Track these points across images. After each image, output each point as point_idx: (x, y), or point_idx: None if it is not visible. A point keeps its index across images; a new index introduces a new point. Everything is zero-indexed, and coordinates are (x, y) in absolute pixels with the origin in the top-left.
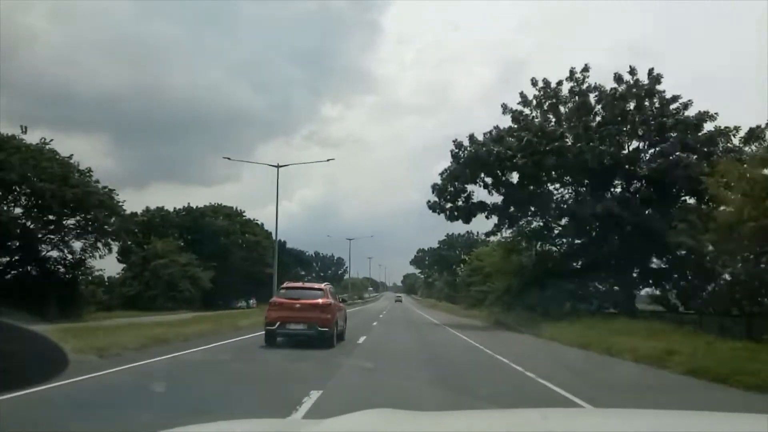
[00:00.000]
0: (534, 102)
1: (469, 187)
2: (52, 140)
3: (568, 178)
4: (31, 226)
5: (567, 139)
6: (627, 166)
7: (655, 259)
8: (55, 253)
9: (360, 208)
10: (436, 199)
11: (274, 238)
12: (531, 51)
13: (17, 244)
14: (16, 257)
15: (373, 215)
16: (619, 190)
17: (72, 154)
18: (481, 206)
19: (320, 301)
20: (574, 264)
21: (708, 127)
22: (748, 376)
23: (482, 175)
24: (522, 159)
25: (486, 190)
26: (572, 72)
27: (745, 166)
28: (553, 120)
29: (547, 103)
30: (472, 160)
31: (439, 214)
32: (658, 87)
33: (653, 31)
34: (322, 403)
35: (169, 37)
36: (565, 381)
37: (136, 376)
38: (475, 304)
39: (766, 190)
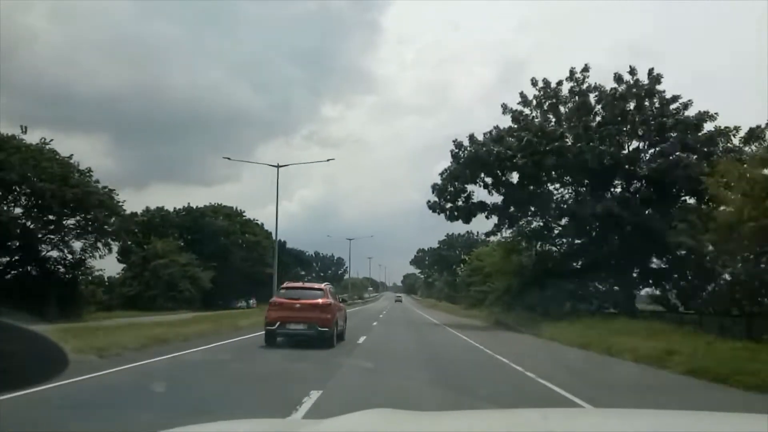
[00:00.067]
0: (534, 102)
1: (469, 187)
2: (52, 140)
3: (568, 178)
4: (31, 226)
5: (567, 139)
6: (627, 166)
7: (655, 259)
8: (55, 253)
9: (360, 208)
10: (436, 199)
11: (274, 238)
12: (531, 51)
13: (17, 244)
14: (16, 257)
15: (373, 215)
16: (619, 190)
17: (72, 154)
18: (481, 206)
19: (320, 301)
20: (574, 264)
21: (708, 127)
22: (748, 376)
23: (482, 175)
24: (522, 159)
25: (486, 190)
26: (572, 72)
27: (745, 166)
28: (553, 120)
29: (547, 103)
30: (472, 160)
31: (439, 214)
32: (658, 87)
33: (653, 31)
34: (322, 403)
35: (169, 37)
36: (565, 381)
37: (136, 376)
38: (475, 304)
39: (766, 190)
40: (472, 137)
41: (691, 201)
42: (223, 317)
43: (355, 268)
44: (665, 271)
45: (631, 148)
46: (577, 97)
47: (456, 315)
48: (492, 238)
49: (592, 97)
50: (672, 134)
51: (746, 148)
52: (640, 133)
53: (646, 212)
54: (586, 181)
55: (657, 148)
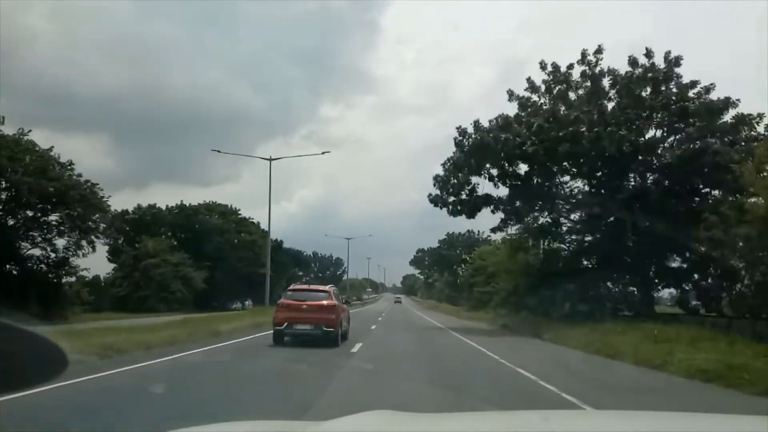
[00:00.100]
0: (543, 87)
1: (474, 180)
2: (30, 131)
3: (584, 168)
4: (9, 223)
5: (582, 124)
6: (646, 155)
7: (675, 257)
8: (37, 252)
9: (360, 208)
10: (438, 192)
11: (269, 236)
12: (531, 51)
13: None
14: None
15: (373, 216)
16: (633, 181)
17: (52, 146)
18: (487, 200)
19: (325, 302)
20: (586, 262)
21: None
22: None
23: (488, 165)
24: (532, 146)
25: (491, 183)
26: (584, 55)
27: None
28: (563, 108)
29: (557, 89)
30: (478, 148)
31: (441, 208)
32: (677, 70)
33: (653, 31)
34: None
35: (169, 37)
36: (623, 408)
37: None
38: (478, 305)
39: None
40: (477, 123)
41: (716, 192)
42: (207, 320)
43: (354, 269)
44: (685, 270)
45: (650, 136)
46: (589, 82)
47: (459, 317)
48: (497, 236)
49: (605, 81)
50: (695, 120)
51: None
52: (659, 119)
53: (668, 204)
54: (600, 173)
55: (678, 136)
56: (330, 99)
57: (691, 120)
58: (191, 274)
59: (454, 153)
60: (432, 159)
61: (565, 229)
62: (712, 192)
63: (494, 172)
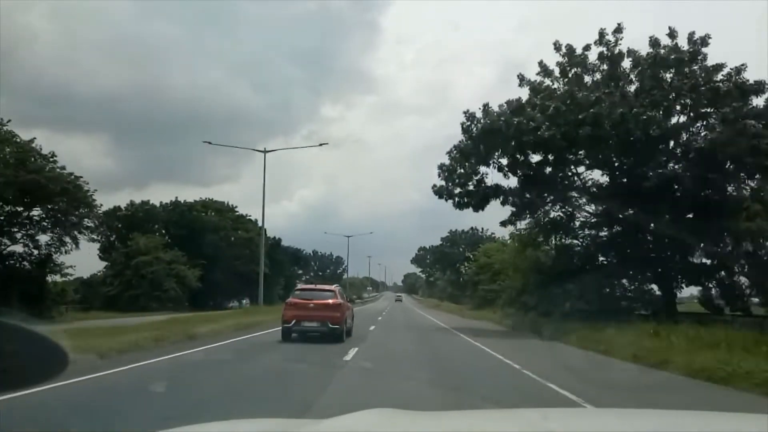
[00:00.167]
0: (557, 70)
1: (482, 169)
2: (9, 121)
3: (604, 155)
4: None
5: (603, 106)
6: (676, 139)
7: (698, 253)
8: (19, 248)
9: (360, 208)
10: (443, 183)
11: (265, 233)
12: (531, 51)
13: None
14: None
15: (374, 215)
16: (661, 168)
17: (34, 138)
18: (496, 191)
19: (331, 301)
20: (602, 259)
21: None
22: None
23: (498, 153)
24: (548, 131)
25: (501, 174)
26: (602, 34)
27: None
28: (581, 91)
29: (572, 72)
30: (487, 134)
31: (446, 200)
32: (704, 50)
33: (653, 31)
34: None
35: (169, 37)
36: None
37: None
38: (483, 304)
39: None
40: (486, 107)
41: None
42: (191, 321)
43: (355, 268)
44: (708, 266)
45: (676, 121)
46: (607, 64)
47: (463, 317)
48: (506, 230)
49: (626, 63)
50: (728, 102)
51: None
52: (686, 101)
53: (699, 193)
54: (623, 161)
55: (707, 121)
56: (330, 99)
57: (723, 102)
58: (185, 272)
59: (461, 141)
60: (432, 159)
61: (578, 223)
62: (750, 179)
63: (504, 161)
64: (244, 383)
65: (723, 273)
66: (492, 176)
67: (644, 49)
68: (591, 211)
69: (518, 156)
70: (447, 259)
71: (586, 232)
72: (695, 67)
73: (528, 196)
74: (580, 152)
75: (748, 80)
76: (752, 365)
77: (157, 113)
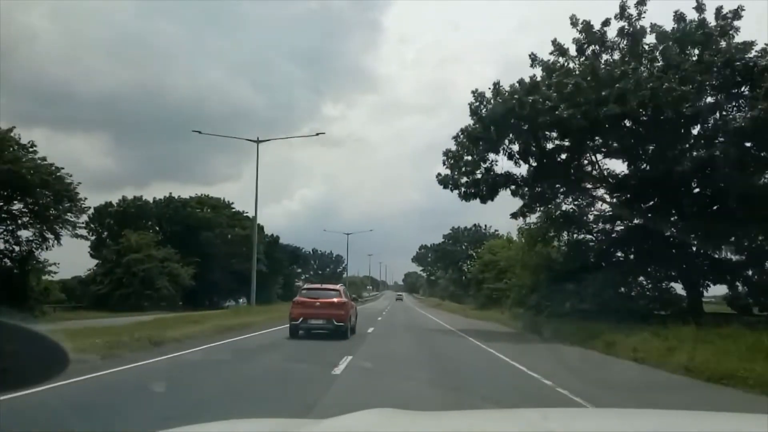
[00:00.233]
0: (573, 48)
1: (491, 156)
2: None
3: (630, 137)
4: None
5: (629, 80)
6: (712, 118)
7: (725, 247)
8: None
9: (361, 207)
10: (448, 172)
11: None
12: (531, 51)
13: None
14: None
15: (374, 215)
16: (695, 151)
17: (14, 127)
18: (507, 179)
19: (336, 300)
20: (619, 255)
21: None
22: None
23: (509, 137)
24: (567, 110)
25: (512, 162)
26: (623, 7)
27: None
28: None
29: (590, 50)
30: (499, 115)
31: (452, 190)
32: (736, 23)
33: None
34: None
35: (170, 36)
36: None
37: None
38: (488, 303)
39: None
40: (497, 86)
41: None
42: (169, 322)
43: (356, 267)
44: (739, 263)
45: (709, 100)
46: (628, 40)
47: (467, 317)
48: (508, 228)
49: (649, 39)
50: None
51: None
52: (719, 79)
53: (736, 179)
54: (651, 143)
55: (742, 100)
56: (331, 98)
57: (761, 79)
58: (178, 271)
59: (469, 125)
60: (433, 159)
61: (591, 217)
62: None
63: (515, 147)
64: (178, 409)
65: (751, 270)
66: (502, 164)
67: (668, 25)
68: (609, 201)
69: (532, 141)
70: (449, 257)
71: (601, 226)
72: (723, 44)
73: (541, 186)
74: (599, 137)
75: None
76: None
77: (158, 112)
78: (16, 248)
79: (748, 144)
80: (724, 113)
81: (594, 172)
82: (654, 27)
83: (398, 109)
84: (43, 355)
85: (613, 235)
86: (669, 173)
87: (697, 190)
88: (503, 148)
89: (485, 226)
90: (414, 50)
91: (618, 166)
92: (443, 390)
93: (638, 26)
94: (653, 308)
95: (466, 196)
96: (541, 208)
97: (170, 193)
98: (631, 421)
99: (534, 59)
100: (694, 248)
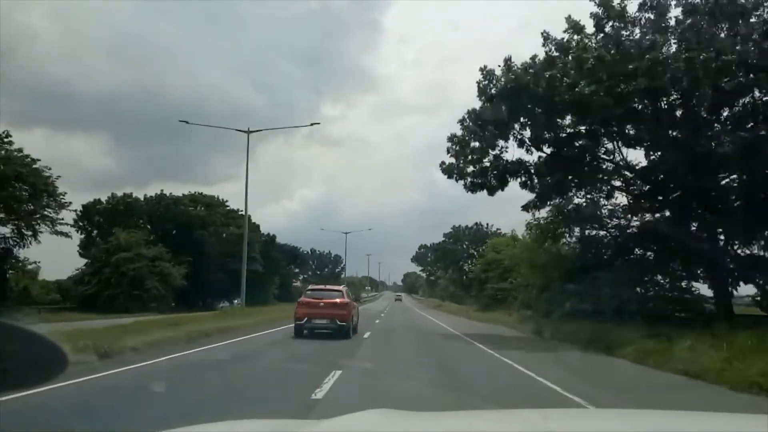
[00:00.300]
0: (592, 24)
1: (501, 143)
2: None
3: (662, 118)
4: None
5: (661, 52)
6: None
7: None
8: None
9: (361, 207)
10: (453, 161)
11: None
12: (531, 51)
13: None
14: None
15: (374, 215)
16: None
17: None
18: (518, 167)
19: (339, 300)
20: (638, 251)
21: None
22: None
23: (522, 120)
24: (590, 86)
25: (523, 149)
26: None
27: None
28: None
29: (608, 26)
30: (511, 92)
31: (457, 180)
32: None
33: None
34: None
35: (170, 36)
36: None
37: None
38: (491, 304)
39: None
40: (508, 62)
41: None
42: (141, 326)
43: (354, 267)
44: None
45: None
46: (652, 14)
47: (471, 319)
48: (512, 225)
49: (675, 13)
50: None
51: None
52: (754, 57)
53: None
54: (684, 124)
55: None
56: (331, 98)
57: None
58: (169, 270)
59: (478, 108)
60: (433, 158)
61: (607, 211)
62: None
63: (527, 134)
64: None
65: None
66: (512, 152)
67: None
68: (630, 192)
69: (546, 124)
70: (449, 257)
71: (616, 221)
72: (755, 18)
73: (555, 176)
74: (624, 118)
75: None
76: None
77: (158, 112)
78: None
79: None
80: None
81: (617, 158)
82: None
83: (398, 109)
84: (43, 355)
85: (629, 231)
86: (704, 157)
87: (734, 176)
88: (514, 134)
89: (487, 224)
90: (414, 50)
91: (638, 156)
92: (450, 393)
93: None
94: (674, 310)
95: (472, 188)
96: (556, 200)
97: (162, 190)
98: (631, 421)
99: (546, 37)
100: (721, 244)
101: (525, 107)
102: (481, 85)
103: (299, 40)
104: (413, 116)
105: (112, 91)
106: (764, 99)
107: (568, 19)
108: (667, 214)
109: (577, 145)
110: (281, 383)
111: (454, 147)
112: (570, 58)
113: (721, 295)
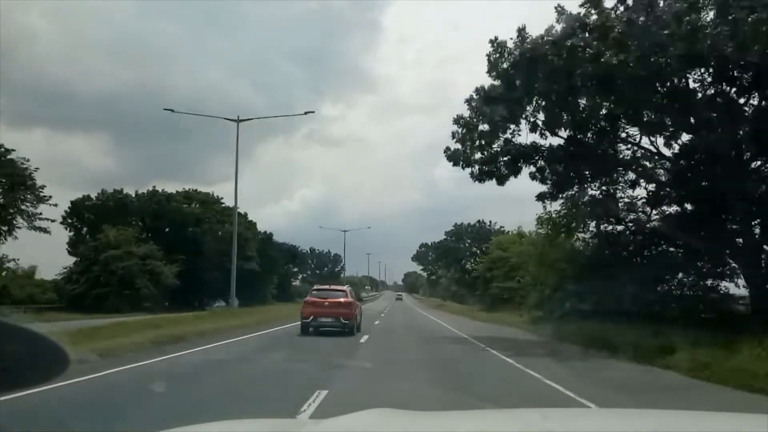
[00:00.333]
0: None
1: (512, 126)
2: None
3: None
4: None
5: (701, 14)
6: None
7: None
8: None
9: (361, 207)
10: (459, 146)
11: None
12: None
13: None
14: None
15: (374, 215)
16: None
17: None
18: (533, 151)
19: (343, 299)
20: (663, 247)
21: None
22: None
23: (535, 102)
24: (616, 56)
25: (536, 133)
26: None
27: None
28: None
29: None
30: (530, 62)
31: (463, 168)
32: None
33: None
34: None
35: (170, 36)
36: None
37: None
38: (496, 304)
39: None
40: (522, 32)
41: None
42: (115, 328)
43: (354, 266)
44: None
45: None
46: None
47: (476, 319)
48: (516, 223)
49: None
50: None
51: None
52: None
53: None
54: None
55: None
56: (331, 98)
57: None
58: (161, 269)
59: (488, 87)
60: (433, 158)
61: (623, 204)
62: None
63: (541, 116)
64: None
65: None
66: (525, 137)
67: None
68: (657, 180)
69: (565, 104)
70: (451, 255)
71: (634, 215)
72: None
73: (573, 163)
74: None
75: None
76: None
77: (158, 113)
78: None
79: None
80: None
81: (641, 143)
82: None
83: (398, 109)
84: (43, 355)
85: (650, 225)
86: (738, 142)
87: None
88: (526, 116)
89: (489, 222)
90: (414, 50)
91: (660, 143)
92: None
93: None
94: (700, 311)
95: (480, 176)
96: (574, 189)
97: (154, 187)
98: (631, 421)
99: (561, 12)
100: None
101: (541, 82)
102: (491, 59)
103: (299, 40)
104: (413, 116)
105: (112, 91)
106: None
107: None
108: (694, 207)
109: (597, 128)
110: (264, 404)
111: (460, 130)
112: (589, 32)
113: (758, 295)
